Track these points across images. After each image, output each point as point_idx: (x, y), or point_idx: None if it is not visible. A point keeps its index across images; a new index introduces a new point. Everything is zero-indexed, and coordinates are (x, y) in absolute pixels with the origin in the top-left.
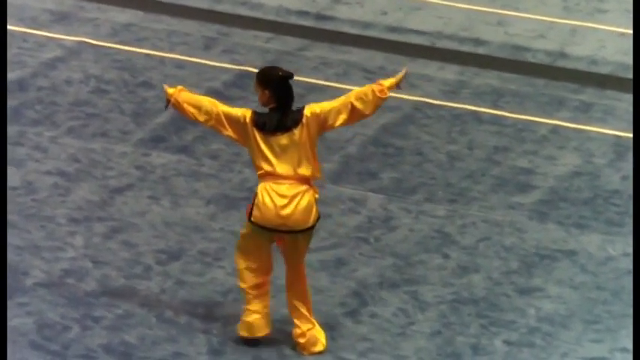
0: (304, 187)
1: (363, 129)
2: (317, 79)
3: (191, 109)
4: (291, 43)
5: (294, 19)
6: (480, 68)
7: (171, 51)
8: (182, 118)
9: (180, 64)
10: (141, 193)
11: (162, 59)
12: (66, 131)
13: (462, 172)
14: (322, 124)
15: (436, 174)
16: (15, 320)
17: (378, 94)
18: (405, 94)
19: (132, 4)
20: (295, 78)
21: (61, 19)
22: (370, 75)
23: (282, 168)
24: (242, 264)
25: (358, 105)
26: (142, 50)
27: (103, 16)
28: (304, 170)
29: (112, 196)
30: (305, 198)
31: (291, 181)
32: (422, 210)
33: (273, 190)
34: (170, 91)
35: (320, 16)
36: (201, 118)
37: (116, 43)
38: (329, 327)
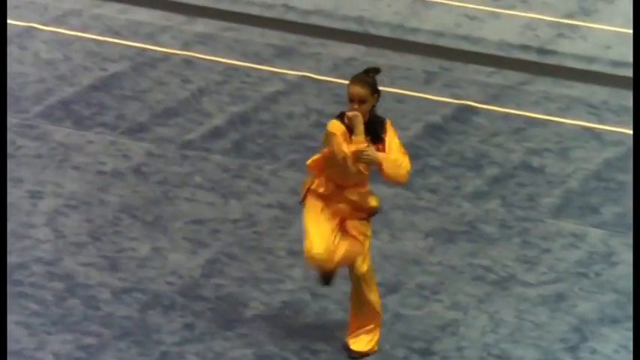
0: None
1: (585, 163)
2: (538, 113)
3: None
4: (513, 77)
5: (515, 53)
6: None
7: (392, 85)
8: None
9: (400, 98)
10: None
11: (382, 93)
12: (287, 164)
13: None
14: None
15: None
16: (234, 351)
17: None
18: (628, 129)
19: (354, 39)
20: (516, 112)
21: (283, 53)
22: (594, 110)
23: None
24: None
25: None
26: None
27: (325, 51)
28: None
29: None
30: None
31: None
32: None
33: None
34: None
35: (542, 51)
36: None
37: (337, 77)
38: None
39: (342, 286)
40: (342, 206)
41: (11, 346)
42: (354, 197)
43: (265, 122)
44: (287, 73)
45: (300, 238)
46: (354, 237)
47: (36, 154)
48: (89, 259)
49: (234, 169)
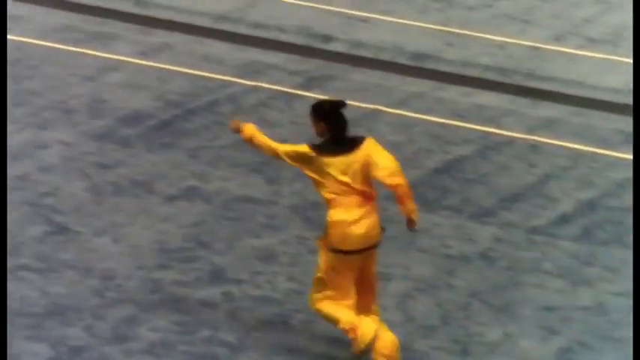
0: (370, 204)
1: None
2: None
3: (261, 145)
4: None
5: None
6: None
7: None
8: None
9: None
10: None
11: None
12: None
13: None
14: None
15: None
16: None
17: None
18: None
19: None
20: None
21: (631, 139)
22: None
23: (351, 184)
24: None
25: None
26: None
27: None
28: (368, 187)
29: None
30: (373, 214)
31: (359, 198)
32: None
33: (346, 212)
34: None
35: None
36: (268, 154)
37: None
38: None
39: None
40: None
41: None
42: None
43: (614, 209)
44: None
45: None
46: None
47: (388, 236)
48: (439, 343)
49: (583, 256)
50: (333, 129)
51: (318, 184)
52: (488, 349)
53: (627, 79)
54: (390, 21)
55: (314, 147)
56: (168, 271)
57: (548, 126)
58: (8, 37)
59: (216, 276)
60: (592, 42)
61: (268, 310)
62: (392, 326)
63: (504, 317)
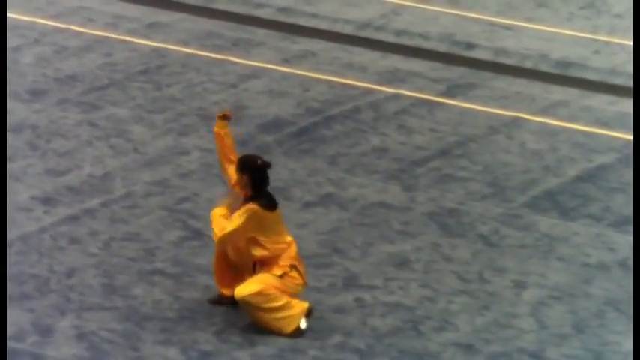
0: None
1: None
2: None
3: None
4: None
5: None
6: None
7: None
8: None
9: None
10: None
11: None
12: None
13: None
14: None
15: None
16: None
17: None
18: None
19: None
20: None
21: None
22: None
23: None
24: None
25: None
26: None
27: None
28: None
29: None
30: None
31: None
32: None
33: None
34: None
35: None
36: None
37: None
38: None
39: None
40: None
41: None
42: None
43: None
44: None
45: None
46: None
47: (520, 244)
48: (573, 351)
49: None
50: (257, 186)
51: (255, 242)
52: (623, 359)
53: None
54: (535, 28)
55: (261, 205)
56: None
57: None
58: (150, 43)
59: (350, 282)
60: None
61: (400, 316)
62: (524, 333)
63: None
